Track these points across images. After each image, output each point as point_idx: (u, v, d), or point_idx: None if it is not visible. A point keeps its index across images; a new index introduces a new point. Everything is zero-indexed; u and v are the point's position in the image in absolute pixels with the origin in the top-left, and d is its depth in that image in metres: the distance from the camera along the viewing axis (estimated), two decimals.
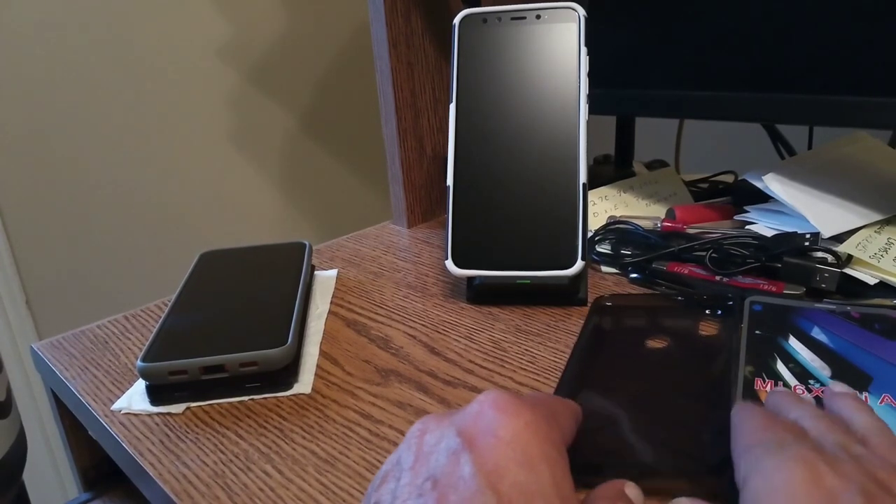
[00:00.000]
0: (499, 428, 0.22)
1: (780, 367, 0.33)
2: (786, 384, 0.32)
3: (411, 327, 0.44)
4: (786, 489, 0.21)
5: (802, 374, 0.32)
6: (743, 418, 0.26)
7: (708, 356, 0.36)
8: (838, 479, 0.20)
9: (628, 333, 0.39)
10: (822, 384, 0.32)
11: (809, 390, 0.31)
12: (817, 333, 0.35)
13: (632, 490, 0.25)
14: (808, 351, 0.34)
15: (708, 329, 0.39)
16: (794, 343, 0.35)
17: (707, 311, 0.40)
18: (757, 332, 0.36)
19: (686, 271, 0.45)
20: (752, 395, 0.32)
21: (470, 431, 0.22)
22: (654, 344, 0.37)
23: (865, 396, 0.30)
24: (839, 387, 0.30)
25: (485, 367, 0.39)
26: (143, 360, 0.36)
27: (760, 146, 0.65)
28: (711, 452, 0.28)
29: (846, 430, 0.25)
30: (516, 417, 0.22)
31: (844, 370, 0.32)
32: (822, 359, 0.33)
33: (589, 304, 0.44)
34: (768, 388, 0.32)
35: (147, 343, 0.38)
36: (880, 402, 0.30)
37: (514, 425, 0.22)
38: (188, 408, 0.37)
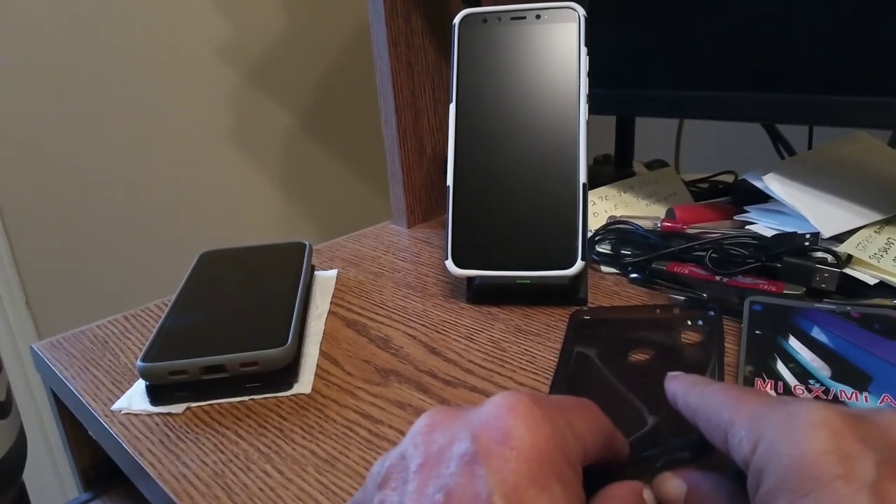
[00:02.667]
0: (516, 438, 0.20)
1: (780, 367, 0.33)
2: (786, 384, 0.32)
3: (411, 327, 0.44)
4: (795, 457, 0.19)
5: (802, 374, 0.32)
6: (708, 392, 0.24)
7: (693, 369, 0.35)
8: (855, 443, 0.18)
9: (609, 348, 0.38)
10: (823, 384, 0.32)
11: (810, 390, 0.31)
12: (817, 333, 0.35)
13: (649, 495, 0.24)
14: (808, 351, 0.34)
15: (690, 340, 0.38)
16: (793, 343, 0.35)
17: (688, 323, 0.39)
18: (757, 332, 0.36)
19: (686, 271, 0.45)
20: None
21: (485, 438, 0.20)
22: (637, 357, 0.37)
23: (866, 396, 0.30)
24: None
25: (485, 367, 0.39)
26: (143, 360, 0.36)
27: (760, 146, 0.65)
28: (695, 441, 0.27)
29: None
30: (535, 429, 0.20)
31: (844, 370, 0.32)
32: (822, 359, 0.33)
33: (568, 318, 0.42)
34: (767, 388, 0.32)
35: (147, 343, 0.38)
36: (880, 402, 0.30)
37: (533, 438, 0.20)
38: (188, 408, 0.37)
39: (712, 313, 0.39)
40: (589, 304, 0.45)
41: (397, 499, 0.20)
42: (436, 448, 0.21)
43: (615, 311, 0.43)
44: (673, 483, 0.24)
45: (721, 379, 0.33)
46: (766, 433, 0.20)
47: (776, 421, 0.20)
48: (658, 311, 0.40)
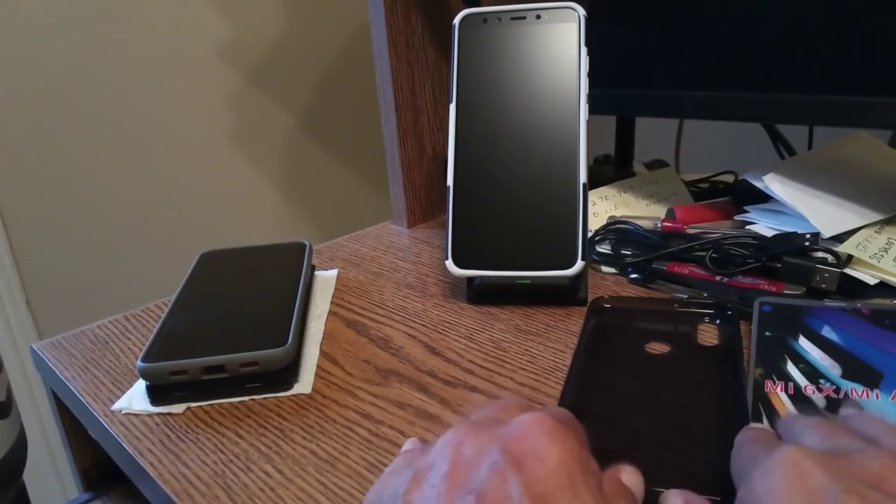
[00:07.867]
0: (545, 452, 0.21)
1: (791, 367, 0.33)
2: (796, 385, 0.32)
3: (411, 327, 0.44)
4: (767, 496, 0.20)
5: (813, 373, 0.32)
6: (741, 440, 0.26)
7: (713, 365, 0.36)
8: (823, 477, 0.20)
9: (628, 338, 0.39)
10: (833, 383, 0.31)
11: (820, 390, 0.31)
12: (828, 332, 0.35)
13: (628, 476, 0.25)
14: (819, 350, 0.34)
15: (709, 335, 0.38)
16: (804, 343, 0.34)
17: (706, 319, 0.40)
18: (767, 333, 0.36)
19: (686, 271, 0.45)
20: (762, 397, 0.31)
21: (516, 451, 0.21)
22: (656, 349, 0.37)
23: (877, 394, 0.30)
24: (852, 411, 0.29)
25: (485, 368, 0.39)
26: (144, 360, 0.36)
27: (760, 146, 0.65)
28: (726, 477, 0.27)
29: (850, 432, 0.24)
30: (563, 444, 0.22)
31: (855, 368, 0.32)
32: (832, 357, 0.33)
33: (588, 305, 0.44)
34: (778, 389, 0.32)
35: (147, 343, 0.38)
36: (892, 399, 0.30)
37: (560, 452, 0.21)
38: (188, 408, 0.37)
39: (730, 313, 0.40)
40: (608, 294, 0.45)
41: (428, 494, 0.21)
42: (465, 458, 0.22)
43: (635, 302, 0.44)
44: (672, 500, 0.25)
45: (742, 381, 0.33)
46: (752, 473, 0.22)
47: (761, 461, 0.22)
48: (676, 305, 0.42)
